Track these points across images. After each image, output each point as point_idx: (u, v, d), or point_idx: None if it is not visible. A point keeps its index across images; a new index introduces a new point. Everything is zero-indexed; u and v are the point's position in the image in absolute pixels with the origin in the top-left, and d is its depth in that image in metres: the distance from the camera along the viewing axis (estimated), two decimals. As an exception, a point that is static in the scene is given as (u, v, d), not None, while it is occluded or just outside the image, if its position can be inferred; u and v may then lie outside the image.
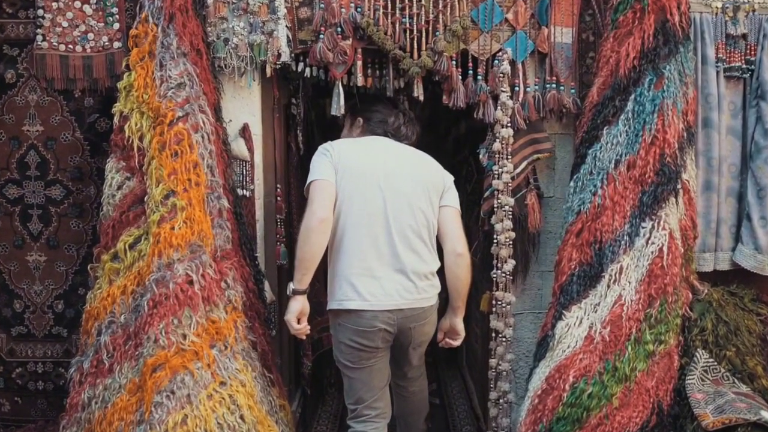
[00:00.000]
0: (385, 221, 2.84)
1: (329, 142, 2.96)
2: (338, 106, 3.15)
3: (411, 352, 3.02)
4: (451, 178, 3.04)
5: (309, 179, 2.84)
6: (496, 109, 3.15)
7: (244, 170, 3.22)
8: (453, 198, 3.00)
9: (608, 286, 2.89)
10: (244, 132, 3.21)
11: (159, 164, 2.85)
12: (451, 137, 5.13)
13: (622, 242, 2.91)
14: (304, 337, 3.04)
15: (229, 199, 3.07)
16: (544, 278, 3.36)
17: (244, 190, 3.22)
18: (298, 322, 2.87)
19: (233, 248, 3.04)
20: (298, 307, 2.85)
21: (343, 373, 3.02)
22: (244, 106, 3.22)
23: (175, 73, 2.91)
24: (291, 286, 2.86)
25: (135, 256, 2.86)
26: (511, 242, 3.19)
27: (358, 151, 2.92)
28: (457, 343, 3.14)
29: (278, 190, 3.37)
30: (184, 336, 2.71)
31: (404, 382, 3.18)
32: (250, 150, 3.21)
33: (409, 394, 3.21)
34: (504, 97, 3.12)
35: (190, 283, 2.75)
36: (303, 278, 2.82)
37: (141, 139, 2.92)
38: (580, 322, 2.91)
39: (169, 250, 2.76)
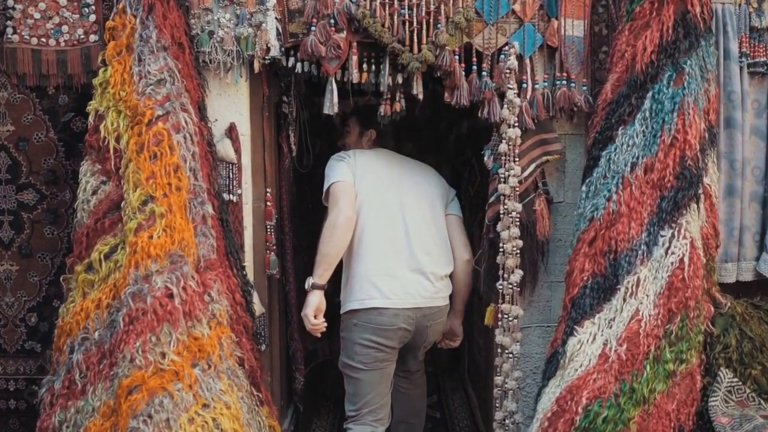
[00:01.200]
0: (402, 224, 3.08)
1: (343, 152, 3.23)
2: (331, 104, 2.95)
3: (420, 349, 3.24)
4: (454, 190, 3.38)
5: (329, 182, 3.06)
6: (502, 107, 2.96)
7: (231, 173, 3.03)
8: (457, 207, 3.33)
9: (624, 300, 2.70)
10: (231, 132, 3.02)
11: (136, 167, 2.66)
12: (452, 137, 4.92)
13: (639, 252, 2.71)
14: (319, 335, 3.12)
15: (214, 204, 2.89)
16: (554, 289, 3.17)
17: (231, 195, 3.03)
18: (316, 317, 3.00)
19: (218, 258, 2.85)
20: (316, 301, 3.00)
21: (348, 378, 3.13)
22: (231, 105, 3.03)
23: (154, 69, 2.72)
24: (310, 280, 3.01)
25: (111, 267, 2.69)
26: (518, 251, 2.99)
27: (373, 159, 3.19)
28: (455, 344, 3.43)
29: (268, 194, 3.18)
30: (163, 355, 2.53)
31: (406, 381, 3.35)
32: (237, 151, 3.02)
33: (412, 388, 3.38)
34: (511, 94, 2.92)
35: (170, 296, 2.57)
36: (324, 273, 2.99)
37: (118, 139, 2.74)
38: (594, 338, 2.71)
39: (146, 261, 2.57)
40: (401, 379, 3.39)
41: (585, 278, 2.80)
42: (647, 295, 2.67)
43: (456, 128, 4.80)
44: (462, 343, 4.80)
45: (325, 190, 3.08)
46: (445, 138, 5.02)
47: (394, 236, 3.06)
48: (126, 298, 2.55)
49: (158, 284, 2.55)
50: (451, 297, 3.22)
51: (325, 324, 3.05)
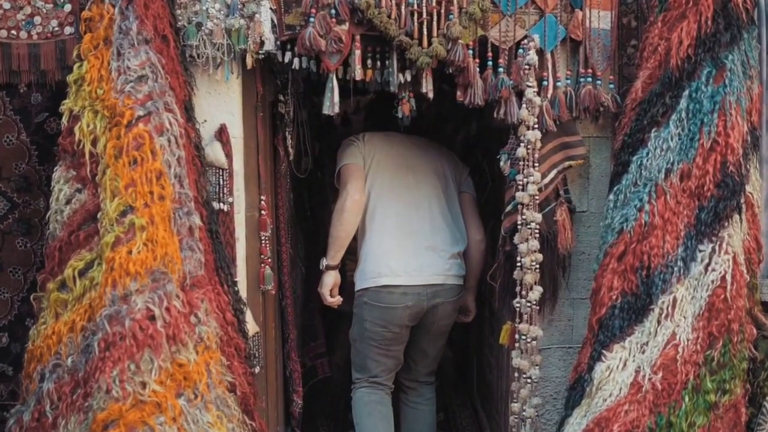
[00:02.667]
0: (413, 203, 3.17)
1: (354, 135, 3.33)
2: (332, 103, 2.70)
3: (430, 339, 3.29)
4: (467, 167, 3.44)
5: (339, 165, 3.19)
6: (520, 107, 2.70)
7: (221, 180, 2.78)
8: (470, 186, 3.39)
9: (659, 322, 2.46)
10: (221, 134, 2.77)
11: (114, 174, 2.42)
12: (460, 139, 4.66)
13: (675, 269, 2.48)
14: (336, 307, 3.27)
15: (203, 214, 2.64)
16: (576, 307, 2.91)
17: (221, 204, 2.78)
18: (332, 296, 3.16)
19: (207, 274, 2.60)
20: (331, 281, 3.16)
21: (356, 350, 3.33)
22: (221, 104, 2.78)
23: (135, 64, 2.47)
24: (324, 261, 3.15)
25: (86, 285, 2.45)
26: (537, 266, 2.72)
27: (383, 140, 3.26)
28: (468, 319, 3.53)
29: (262, 202, 2.92)
30: (144, 384, 2.29)
31: (415, 394, 3.40)
32: (229, 156, 2.78)
33: (421, 402, 3.42)
34: (530, 93, 2.66)
35: (152, 318, 2.32)
36: (336, 255, 3.13)
37: (94, 143, 2.49)
38: (625, 364, 2.47)
39: (125, 279, 2.33)
40: (410, 392, 3.43)
41: (614, 297, 2.55)
42: (684, 317, 2.43)
43: (464, 130, 4.54)
44: (470, 357, 4.59)
45: (335, 172, 3.24)
46: (452, 139, 4.76)
47: (404, 215, 3.15)
48: (102, 321, 2.30)
49: (138, 305, 2.31)
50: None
51: (341, 299, 3.21)
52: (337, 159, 3.25)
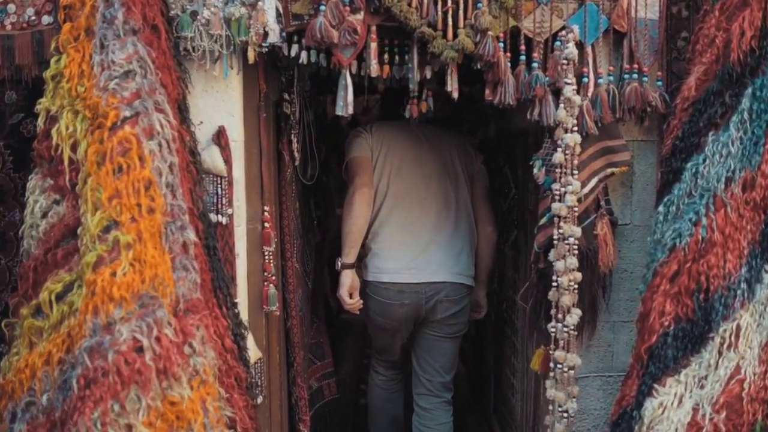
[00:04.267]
0: (419, 197, 3.12)
1: (361, 126, 3.31)
2: (345, 103, 2.40)
3: (433, 340, 3.23)
4: (481, 155, 3.37)
5: (347, 157, 3.17)
6: (557, 107, 2.40)
7: (220, 189, 2.50)
8: (482, 175, 3.31)
9: (720, 353, 2.17)
10: (220, 138, 2.49)
11: (97, 183, 2.13)
12: (477, 141, 4.36)
13: (738, 291, 2.19)
14: (358, 312, 3.20)
15: (198, 228, 2.36)
16: (617, 331, 2.64)
17: (220, 216, 2.51)
18: (350, 297, 3.10)
19: (203, 296, 2.32)
20: (348, 281, 3.08)
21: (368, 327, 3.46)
22: (220, 104, 2.49)
23: (120, 57, 2.18)
24: (339, 261, 3.10)
25: (64, 310, 2.16)
26: (576, 286, 2.42)
27: (392, 131, 3.20)
28: (480, 315, 3.48)
29: (266, 213, 2.64)
30: (129, 427, 2.00)
31: (428, 418, 3.31)
32: (228, 161, 2.50)
33: (432, 428, 3.32)
34: (569, 91, 2.38)
35: (139, 350, 2.02)
36: (351, 252, 3.06)
37: (74, 148, 2.19)
38: (680, 401, 2.19)
39: (108, 306, 2.04)
40: (423, 414, 3.35)
41: (666, 323, 2.26)
42: (750, 348, 2.14)
43: (482, 131, 4.25)
44: (486, 373, 4.30)
45: (344, 165, 3.21)
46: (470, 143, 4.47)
47: (410, 212, 3.12)
48: (81, 354, 2.01)
49: (123, 335, 2.01)
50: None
51: (361, 301, 3.14)
52: (345, 151, 3.22)
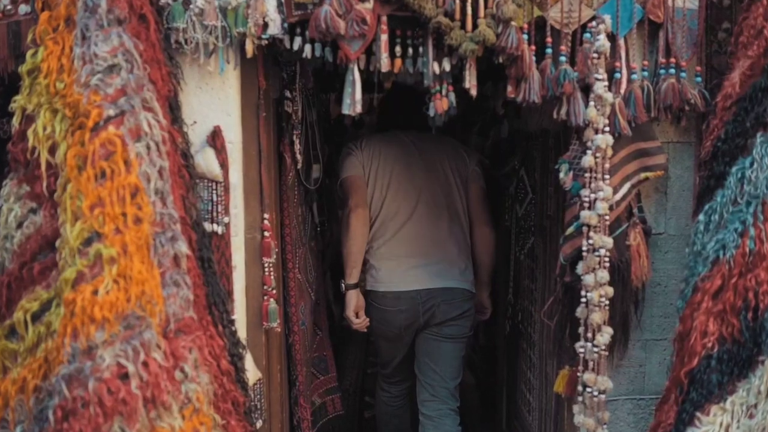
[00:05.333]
0: (411, 208, 3.17)
1: (352, 142, 3.34)
2: (353, 101, 2.19)
3: (433, 344, 3.24)
4: (475, 156, 3.41)
5: (340, 176, 3.22)
6: (586, 105, 2.18)
7: (215, 195, 2.30)
8: (478, 177, 3.31)
9: (771, 379, 1.93)
10: (215, 139, 2.29)
11: (77, 190, 1.93)
12: (489, 142, 4.15)
13: (792, 310, 1.95)
14: (365, 329, 3.27)
15: (191, 239, 2.17)
16: (649, 350, 2.44)
17: (215, 225, 2.32)
18: (357, 316, 3.17)
19: (196, 313, 2.12)
20: (353, 301, 3.15)
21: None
22: (215, 102, 2.30)
23: (104, 50, 1.98)
24: (342, 283, 3.17)
25: (41, 332, 1.98)
26: (607, 302, 2.21)
27: (382, 145, 3.24)
28: (484, 317, 3.51)
29: (265, 221, 2.44)
30: (113, 464, 1.77)
31: (432, 427, 3.27)
32: (224, 165, 2.30)
33: (435, 428, 3.28)
34: (600, 87, 2.17)
35: (124, 377, 1.82)
36: (353, 272, 3.13)
37: (52, 150, 2.00)
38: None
39: (89, 328, 1.84)
40: (427, 423, 3.31)
41: (709, 345, 2.06)
42: (806, 373, 1.91)
43: (494, 132, 4.03)
44: (498, 386, 4.09)
45: (338, 184, 3.25)
46: (480, 146, 4.25)
47: (401, 221, 3.16)
48: (59, 382, 1.81)
49: (106, 361, 1.82)
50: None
51: (368, 320, 3.20)
52: (338, 169, 3.27)
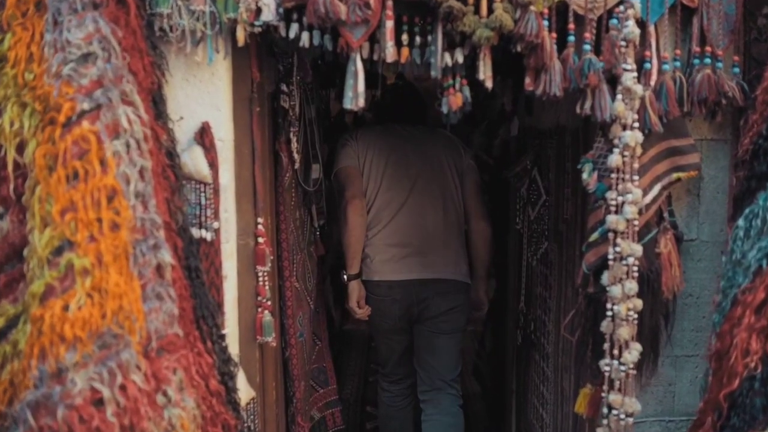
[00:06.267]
0: (405, 200, 3.19)
1: (348, 133, 3.42)
2: (355, 93, 1.98)
3: (430, 336, 3.28)
4: (470, 151, 3.48)
5: (335, 168, 3.23)
6: (613, 98, 1.97)
7: (204, 198, 2.10)
8: (472, 171, 3.35)
9: (824, 404, 1.73)
10: (203, 136, 2.09)
11: (47, 193, 1.73)
12: (498, 141, 3.96)
13: None
14: (367, 318, 3.30)
15: (177, 246, 1.97)
16: (679, 367, 2.25)
17: (204, 231, 2.11)
18: (359, 306, 3.22)
19: (182, 329, 1.92)
20: (356, 292, 3.20)
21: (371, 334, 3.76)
22: (204, 95, 2.09)
23: (78, 37, 1.79)
24: (344, 274, 3.20)
25: (6, 351, 1.79)
26: (635, 316, 2.01)
27: (377, 137, 3.27)
28: (481, 313, 3.55)
29: (259, 226, 2.24)
30: (85, 503, 1.58)
31: (431, 406, 3.33)
32: (213, 165, 2.10)
33: (436, 413, 3.32)
34: (628, 79, 1.97)
35: (98, 403, 1.63)
36: (353, 263, 3.17)
37: (20, 149, 1.80)
38: (774, 463, 1.74)
39: (58, 348, 1.65)
40: (427, 404, 3.37)
41: (752, 365, 1.85)
42: None
43: (503, 130, 3.84)
44: (507, 397, 3.90)
45: (333, 175, 3.26)
46: (488, 145, 4.05)
47: (396, 211, 3.18)
48: (23, 409, 1.62)
49: (78, 385, 1.63)
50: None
51: (369, 309, 3.23)
52: (333, 160, 3.28)
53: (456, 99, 2.01)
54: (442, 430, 3.33)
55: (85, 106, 1.74)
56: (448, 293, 3.22)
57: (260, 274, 2.24)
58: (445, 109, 2.05)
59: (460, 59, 2.00)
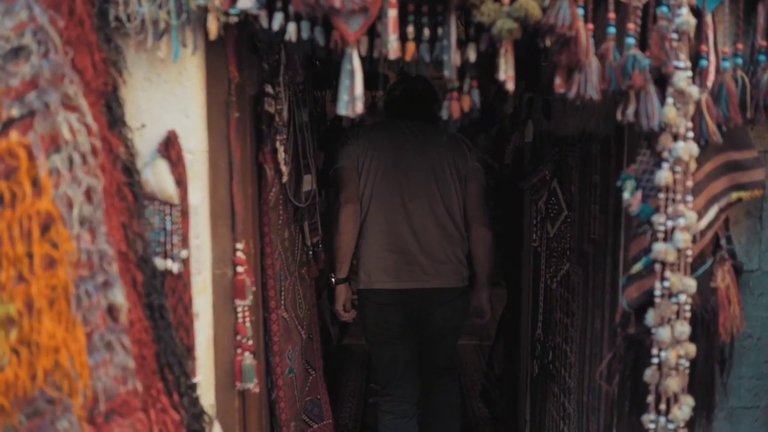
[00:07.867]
0: (403, 205, 3.13)
1: (350, 130, 3.45)
2: (352, 97, 1.64)
3: (432, 342, 3.30)
4: (476, 152, 3.35)
5: (334, 165, 3.18)
6: (663, 103, 1.64)
7: (169, 222, 1.77)
8: (477, 173, 3.24)
9: None
10: (169, 148, 1.76)
11: (-35, 222, 1.38)
12: (511, 148, 3.64)
13: None
14: (351, 320, 3.38)
15: (137, 281, 1.67)
16: (736, 421, 1.92)
17: (169, 261, 1.77)
18: (344, 309, 3.23)
19: (142, 381, 1.63)
20: (342, 296, 3.20)
21: (370, 352, 3.64)
22: (169, 98, 1.75)
23: (6, 27, 1.48)
24: (332, 277, 3.19)
25: None
26: (687, 364, 1.68)
27: (379, 136, 3.21)
28: (483, 321, 3.42)
29: (239, 253, 1.90)
30: None
31: (427, 389, 3.40)
32: (181, 182, 1.77)
33: (434, 393, 3.39)
34: (681, 79, 1.64)
35: (26, 489, 1.30)
36: (342, 267, 3.15)
37: (-64, 166, 1.44)
38: None
39: None
40: (424, 389, 3.41)
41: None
42: None
43: (517, 135, 3.52)
44: (521, 427, 3.60)
45: (330, 171, 3.23)
46: (499, 148, 3.73)
47: (392, 214, 3.14)
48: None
49: (-1, 466, 1.29)
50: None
51: (354, 313, 3.29)
52: (333, 157, 3.24)
53: (458, 105, 1.68)
54: (439, 409, 3.41)
55: (14, 112, 1.42)
56: (449, 302, 3.22)
57: (239, 309, 1.91)
58: (444, 116, 1.72)
59: (472, 58, 1.66)
